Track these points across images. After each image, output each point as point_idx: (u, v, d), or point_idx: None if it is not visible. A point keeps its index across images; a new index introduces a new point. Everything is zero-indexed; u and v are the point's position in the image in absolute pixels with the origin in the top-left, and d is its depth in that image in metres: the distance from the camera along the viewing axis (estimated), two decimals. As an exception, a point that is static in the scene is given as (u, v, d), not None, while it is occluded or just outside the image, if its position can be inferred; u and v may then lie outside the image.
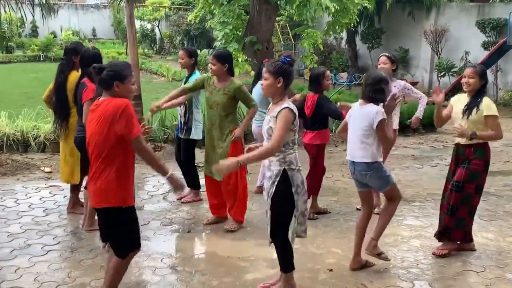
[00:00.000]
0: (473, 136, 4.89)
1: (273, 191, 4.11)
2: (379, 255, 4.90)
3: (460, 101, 5.16)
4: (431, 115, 11.73)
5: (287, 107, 4.02)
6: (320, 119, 6.22)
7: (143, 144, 3.78)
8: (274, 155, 4.07)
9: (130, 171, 3.87)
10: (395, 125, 6.27)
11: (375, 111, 4.56)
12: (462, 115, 5.01)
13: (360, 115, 4.67)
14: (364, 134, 4.63)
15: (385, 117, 4.57)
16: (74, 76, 5.84)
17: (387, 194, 4.84)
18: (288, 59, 4.15)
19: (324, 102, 6.19)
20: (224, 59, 5.65)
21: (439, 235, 5.31)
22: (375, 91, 4.61)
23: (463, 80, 5.09)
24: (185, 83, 6.55)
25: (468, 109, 4.98)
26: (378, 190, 4.98)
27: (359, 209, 6.52)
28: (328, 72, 6.39)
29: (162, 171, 3.93)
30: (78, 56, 5.77)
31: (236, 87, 5.63)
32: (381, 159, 4.73)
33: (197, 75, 6.53)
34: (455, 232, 5.20)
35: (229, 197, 5.81)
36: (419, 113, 6.66)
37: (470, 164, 5.03)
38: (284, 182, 4.08)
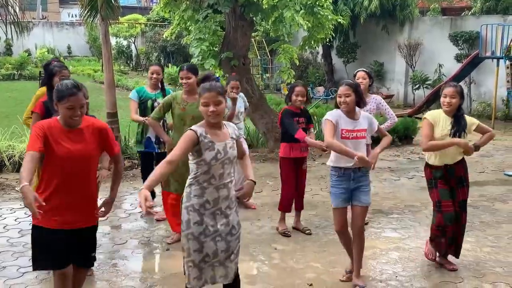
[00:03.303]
0: (477, 148, 5.14)
1: (238, 219, 3.81)
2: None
3: (441, 120, 5.08)
4: (406, 128, 11.96)
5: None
6: (282, 132, 6.15)
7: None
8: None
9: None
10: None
11: (371, 116, 4.85)
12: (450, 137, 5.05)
13: (359, 123, 4.72)
14: (365, 139, 4.81)
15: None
16: (41, 91, 5.87)
17: (365, 212, 4.83)
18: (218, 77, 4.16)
19: (283, 116, 5.97)
20: (197, 71, 5.78)
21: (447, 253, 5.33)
22: (359, 97, 4.69)
23: (444, 100, 5.01)
24: (163, 98, 6.52)
25: (458, 134, 5.01)
26: (365, 201, 4.74)
27: None
28: (299, 88, 5.94)
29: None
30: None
31: None
32: None
33: (171, 92, 6.53)
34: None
35: None
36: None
37: (466, 180, 5.25)
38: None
